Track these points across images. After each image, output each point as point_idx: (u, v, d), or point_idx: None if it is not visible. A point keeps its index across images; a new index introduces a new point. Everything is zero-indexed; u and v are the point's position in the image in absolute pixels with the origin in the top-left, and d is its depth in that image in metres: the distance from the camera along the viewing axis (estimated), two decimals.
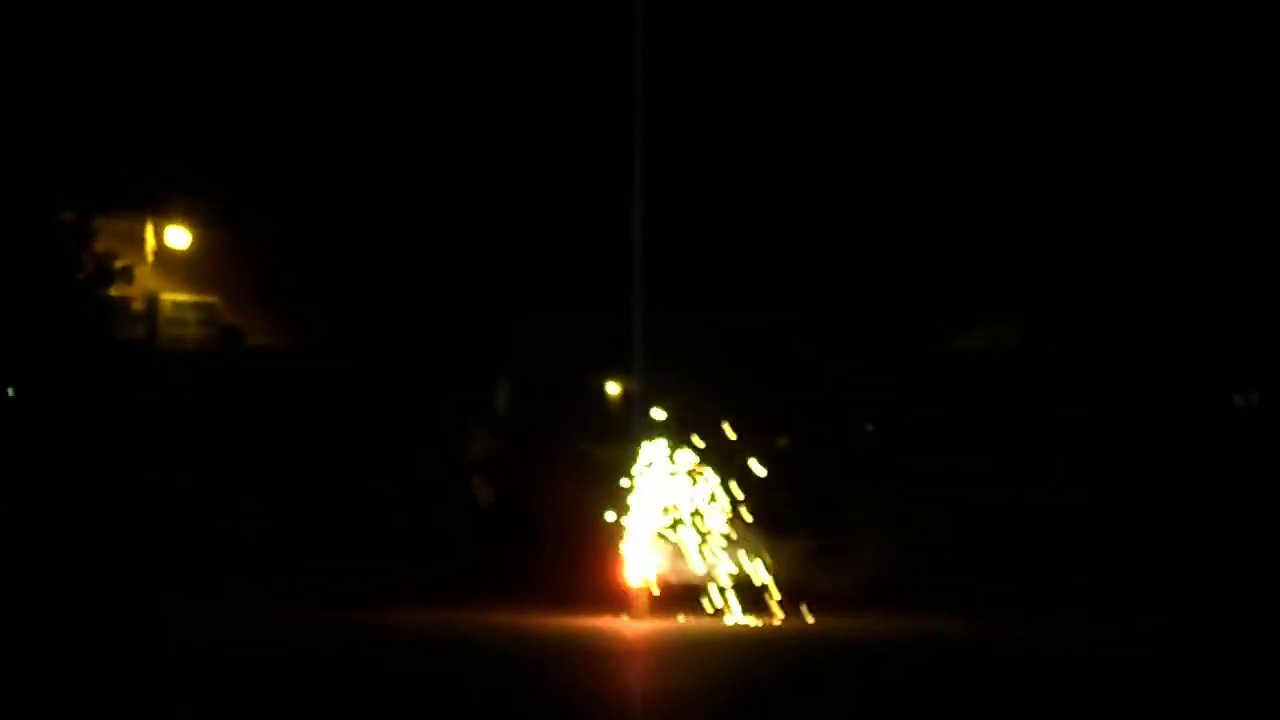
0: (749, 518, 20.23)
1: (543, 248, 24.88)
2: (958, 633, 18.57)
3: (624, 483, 20.21)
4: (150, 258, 25.36)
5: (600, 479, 20.84)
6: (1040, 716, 12.84)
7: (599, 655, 16.74)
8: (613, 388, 25.69)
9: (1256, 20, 24.98)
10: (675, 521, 20.20)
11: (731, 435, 20.55)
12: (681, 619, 19.64)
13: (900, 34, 26.07)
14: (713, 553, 20.16)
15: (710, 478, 20.33)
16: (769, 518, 20.43)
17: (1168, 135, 25.60)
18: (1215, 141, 25.57)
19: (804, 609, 19.71)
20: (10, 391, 22.86)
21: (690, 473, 20.25)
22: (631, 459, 20.23)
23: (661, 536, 20.15)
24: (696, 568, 20.11)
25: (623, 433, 20.83)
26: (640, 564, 19.99)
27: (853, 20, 25.94)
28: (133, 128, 24.65)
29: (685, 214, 22.94)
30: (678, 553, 20.18)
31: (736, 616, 19.74)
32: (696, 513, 20.18)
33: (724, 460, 20.48)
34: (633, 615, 19.65)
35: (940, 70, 26.11)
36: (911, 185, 25.90)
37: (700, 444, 20.33)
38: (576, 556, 20.38)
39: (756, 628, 19.28)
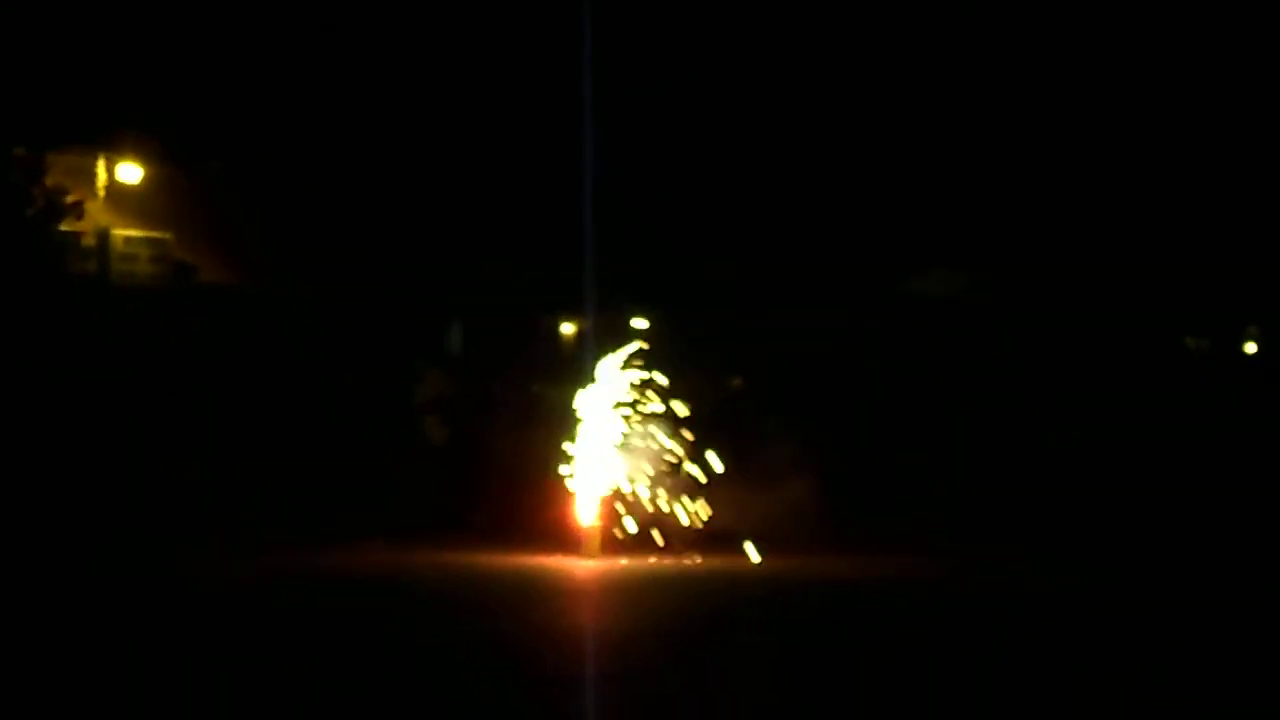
0: (699, 459, 20.33)
1: (496, 189, 24.84)
2: (892, 572, 18.76)
3: (575, 423, 20.25)
4: (102, 193, 25.15)
5: (552, 420, 20.88)
6: (963, 650, 12.98)
7: (549, 594, 16.82)
8: (566, 329, 25.70)
9: None
10: (627, 459, 20.27)
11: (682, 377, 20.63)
12: (626, 560, 19.72)
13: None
14: (663, 492, 20.25)
15: (663, 417, 20.40)
16: (718, 458, 20.53)
17: (1114, 91, 25.74)
18: (1163, 99, 25.75)
19: (748, 548, 19.85)
20: None
21: (642, 411, 20.29)
22: (580, 399, 20.27)
23: (612, 474, 20.21)
24: (646, 507, 20.19)
25: (575, 374, 20.85)
26: (589, 504, 20.06)
27: None
28: (85, 62, 24.41)
29: (638, 158, 22.97)
30: (628, 492, 20.25)
31: (683, 556, 19.84)
32: (648, 450, 20.25)
33: (678, 399, 20.54)
34: (582, 554, 19.74)
35: (897, 23, 26.16)
36: (866, 136, 25.98)
37: (658, 382, 20.38)
38: (527, 497, 20.45)
39: (701, 567, 19.39)
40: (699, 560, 19.64)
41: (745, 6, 25.70)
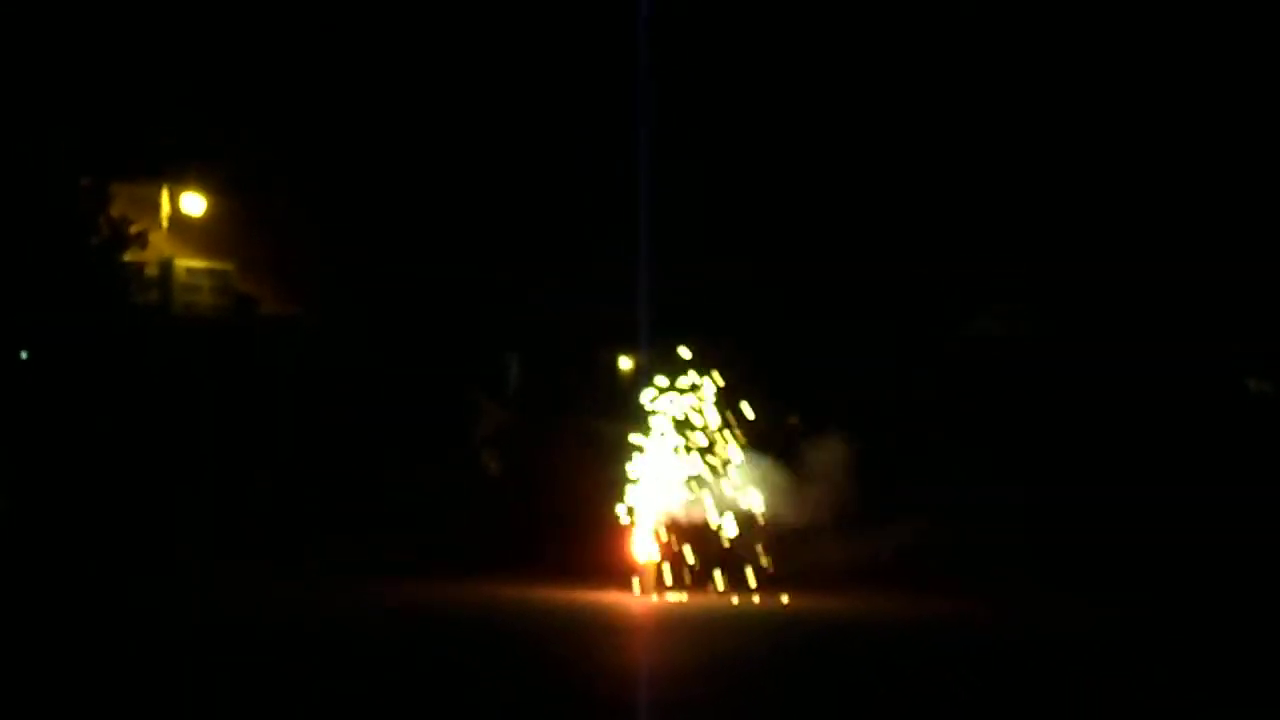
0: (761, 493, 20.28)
1: (554, 225, 24.89)
2: (962, 615, 18.57)
3: (633, 458, 20.23)
4: (165, 223, 25.38)
5: (609, 454, 20.87)
6: (1036, 701, 12.86)
7: (605, 629, 16.79)
8: (624, 363, 25.68)
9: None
10: (689, 496, 20.25)
11: (749, 414, 20.61)
12: (686, 596, 19.66)
13: (916, 27, 26.07)
14: (724, 529, 20.20)
15: (726, 454, 20.37)
16: (782, 495, 20.47)
17: (1177, 132, 25.58)
18: (1222, 139, 25.57)
19: (801, 587, 19.77)
20: (24, 354, 22.88)
21: (703, 450, 20.28)
22: (638, 432, 20.26)
23: (673, 511, 20.18)
24: (707, 544, 20.13)
25: (633, 408, 20.84)
26: (648, 539, 20.02)
27: (870, 21, 25.97)
28: (151, 94, 24.65)
29: (694, 197, 23.00)
30: (689, 528, 20.21)
31: (743, 593, 19.76)
32: (710, 487, 20.22)
33: (739, 436, 20.52)
34: (640, 590, 19.69)
35: (956, 62, 26.10)
36: (924, 179, 25.92)
37: (719, 418, 20.36)
38: (584, 531, 20.43)
39: (761, 605, 19.29)
40: (783, 599, 19.51)
41: (803, 49, 25.68)
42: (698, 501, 20.20)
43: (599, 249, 23.92)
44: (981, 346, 25.80)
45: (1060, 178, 26.05)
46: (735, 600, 19.62)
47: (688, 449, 20.27)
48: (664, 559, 20.10)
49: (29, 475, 21.24)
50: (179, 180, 25.51)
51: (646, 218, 21.67)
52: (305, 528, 21.37)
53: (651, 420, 20.22)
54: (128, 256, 23.69)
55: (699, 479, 20.28)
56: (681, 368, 20.85)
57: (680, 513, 20.15)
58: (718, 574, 20.04)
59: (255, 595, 17.57)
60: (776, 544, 20.35)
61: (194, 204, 25.56)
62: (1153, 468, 22.86)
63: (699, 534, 20.24)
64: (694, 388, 20.39)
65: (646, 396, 20.37)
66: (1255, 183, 25.62)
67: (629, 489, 20.23)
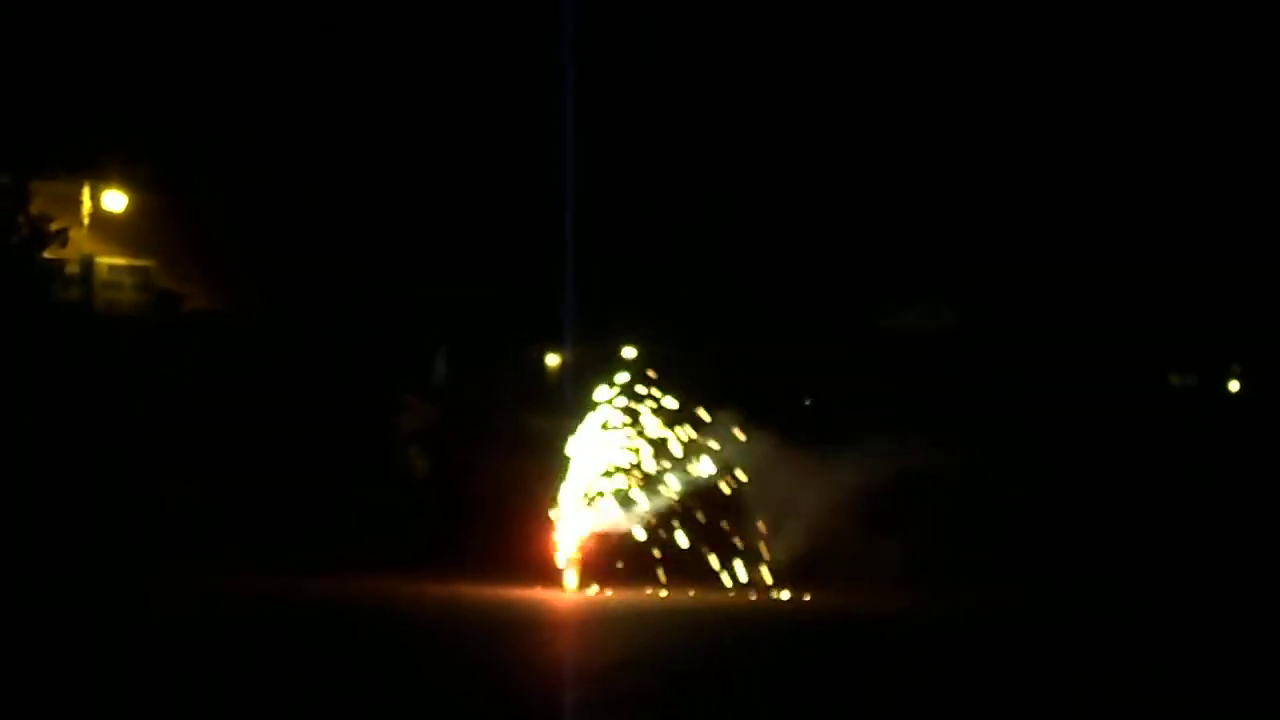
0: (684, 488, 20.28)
1: (481, 212, 24.81)
2: (887, 607, 18.63)
3: (559, 453, 20.20)
4: (86, 221, 25.11)
5: (536, 450, 20.82)
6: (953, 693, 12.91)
7: (530, 626, 16.73)
8: (551, 358, 25.65)
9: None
10: (615, 491, 20.23)
11: (672, 404, 20.57)
12: (610, 591, 19.62)
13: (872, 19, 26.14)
14: (649, 522, 20.19)
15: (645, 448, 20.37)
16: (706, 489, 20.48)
17: (1105, 123, 25.76)
18: (1153, 130, 25.78)
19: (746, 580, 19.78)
20: None
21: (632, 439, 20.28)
22: (567, 429, 20.23)
23: (595, 504, 20.15)
24: (632, 536, 20.12)
25: (560, 403, 20.80)
26: (572, 535, 19.99)
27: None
28: (70, 90, 24.39)
29: (618, 187, 22.98)
30: (611, 522, 20.19)
31: (668, 587, 19.76)
32: (631, 481, 20.20)
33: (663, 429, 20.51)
34: (564, 586, 19.66)
35: (885, 48, 26.17)
36: (855, 165, 25.98)
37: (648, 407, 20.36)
38: (511, 527, 20.38)
39: (686, 600, 19.28)
40: (689, 593, 19.52)
41: (731, 30, 25.67)
42: (627, 495, 20.15)
43: (524, 242, 23.88)
44: (912, 340, 25.94)
45: (995, 175, 26.18)
46: (664, 595, 19.58)
47: (627, 446, 20.21)
48: (591, 554, 20.05)
49: None
50: (100, 177, 25.25)
51: (571, 209, 21.65)
52: (227, 526, 21.18)
53: (583, 415, 20.15)
54: (48, 254, 23.46)
55: (629, 471, 20.23)
56: (613, 365, 20.81)
57: (610, 507, 20.11)
58: (652, 568, 20.00)
59: (169, 593, 17.35)
60: (716, 536, 20.33)
61: (115, 201, 25.29)
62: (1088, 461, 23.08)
63: (624, 526, 20.21)
64: (633, 386, 20.33)
65: (583, 392, 20.30)
66: (1179, 171, 25.85)
67: (556, 485, 20.17)
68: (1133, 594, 18.91)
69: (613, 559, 20.14)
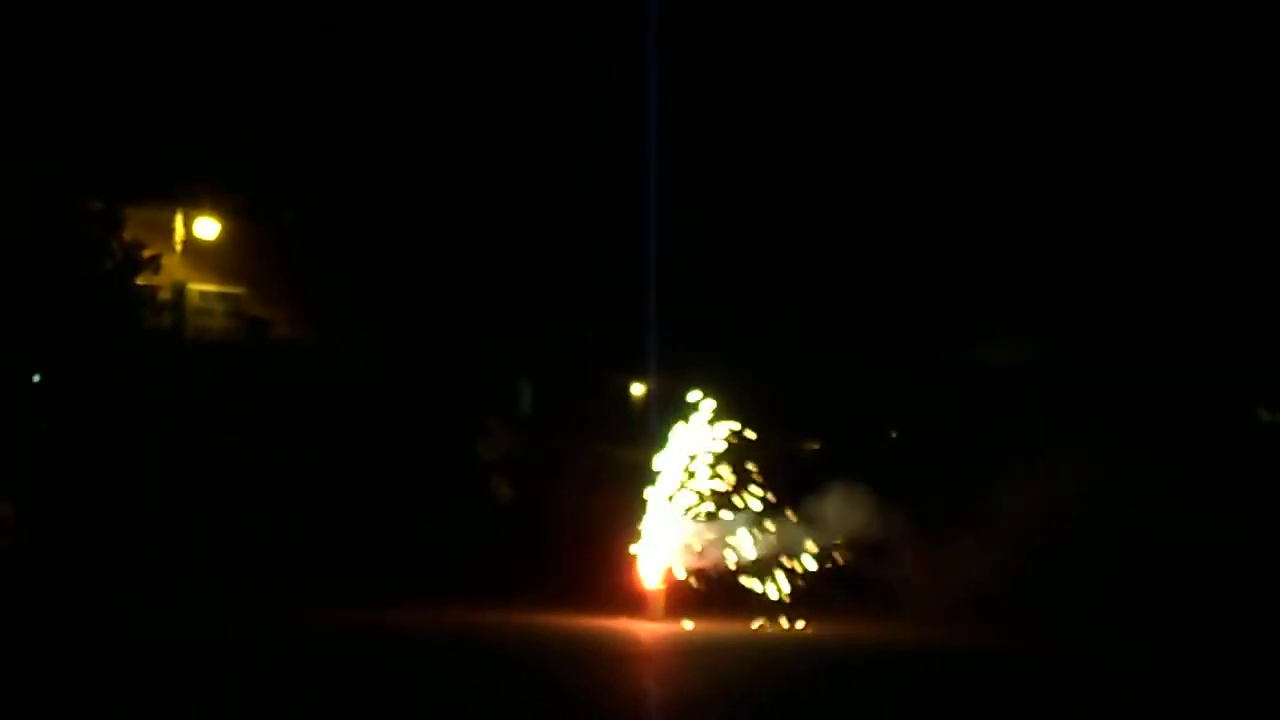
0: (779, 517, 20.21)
1: (566, 247, 24.94)
2: (986, 645, 18.39)
3: (645, 482, 20.20)
4: (178, 247, 25.45)
5: (621, 479, 20.84)
6: None
7: (614, 657, 16.74)
8: (636, 388, 25.70)
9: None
10: (702, 516, 20.20)
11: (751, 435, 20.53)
12: (691, 624, 19.57)
13: (919, 46, 26.06)
14: (739, 553, 20.15)
15: (739, 476, 20.34)
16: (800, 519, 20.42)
17: (1185, 147, 25.53)
18: (1236, 151, 25.51)
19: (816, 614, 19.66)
20: (36, 378, 22.93)
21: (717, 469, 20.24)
22: (652, 458, 20.24)
23: (685, 536, 20.12)
24: (723, 566, 20.06)
25: (645, 433, 20.80)
26: (659, 565, 19.97)
27: (869, 32, 25.96)
28: (163, 117, 24.72)
29: (700, 221, 23.04)
30: (700, 553, 20.14)
31: (758, 619, 19.68)
32: (721, 509, 20.17)
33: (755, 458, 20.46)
34: (650, 617, 19.64)
35: (958, 83, 26.10)
36: (929, 196, 25.92)
37: (733, 439, 20.33)
38: (595, 557, 20.38)
39: (776, 632, 19.21)
40: (775, 626, 19.42)
41: (808, 83, 25.70)
42: (717, 525, 20.10)
43: (611, 272, 23.97)
44: (989, 373, 25.75)
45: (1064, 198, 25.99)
46: (755, 627, 19.47)
47: (712, 474, 20.17)
48: (679, 584, 20.01)
49: (42, 499, 21.24)
50: (192, 204, 25.59)
51: (654, 241, 21.73)
52: (316, 554, 21.32)
53: (669, 446, 20.12)
54: (140, 280, 23.77)
55: (720, 500, 20.19)
56: (696, 395, 20.79)
57: (697, 538, 20.07)
58: (738, 599, 19.92)
59: (263, 619, 17.51)
60: (803, 569, 20.24)
61: (207, 228, 25.62)
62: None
63: (716, 560, 20.15)
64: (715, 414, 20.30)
65: (666, 423, 20.29)
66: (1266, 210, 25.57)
67: (643, 515, 20.17)
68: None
69: (703, 591, 20.08)
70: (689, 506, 20.05)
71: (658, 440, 20.26)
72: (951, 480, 22.18)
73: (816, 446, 23.61)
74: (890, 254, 25.94)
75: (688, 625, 19.43)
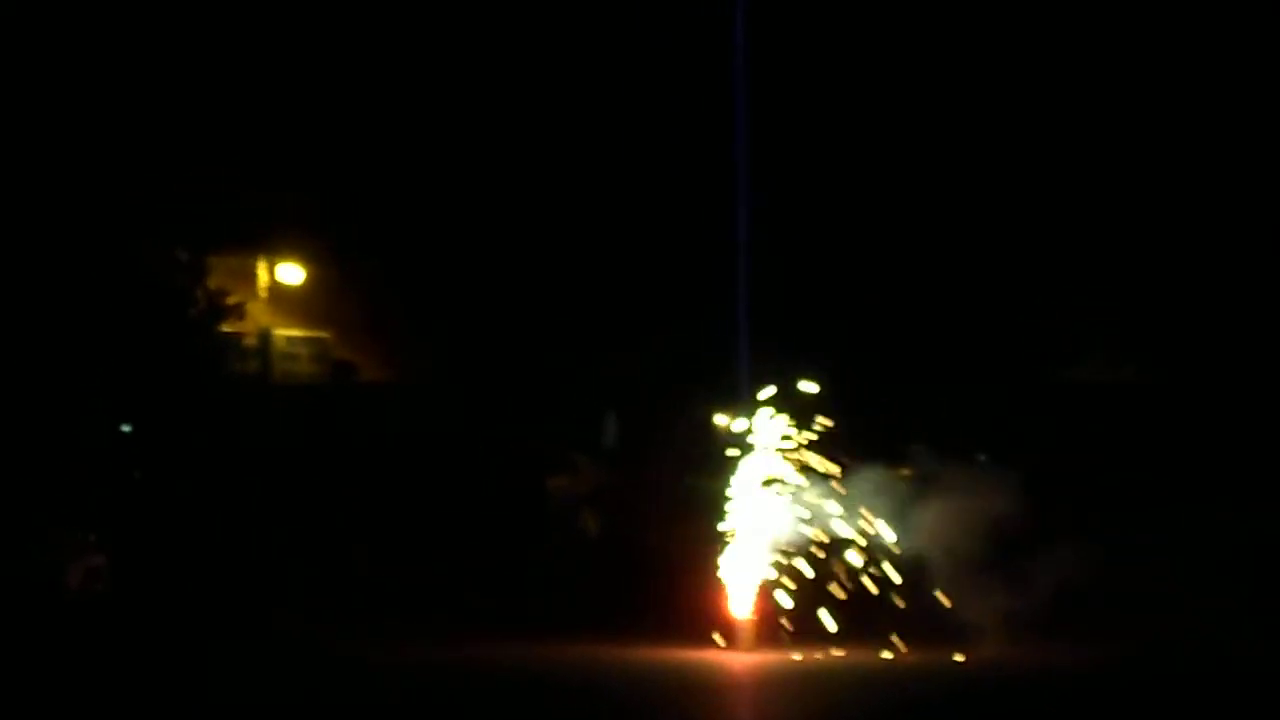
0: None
1: (647, 280, 24.87)
2: (1107, 669, 17.95)
3: (730, 513, 20.11)
4: (263, 293, 25.65)
5: (707, 510, 20.72)
6: None
7: (704, 688, 16.62)
8: (720, 420, 25.53)
9: None
10: (788, 549, 20.08)
11: (833, 468, 20.40)
12: (779, 653, 19.37)
13: (1020, 70, 25.86)
14: (835, 579, 20.01)
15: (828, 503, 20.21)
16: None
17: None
18: None
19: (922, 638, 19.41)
20: (127, 428, 23.16)
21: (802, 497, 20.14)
22: (737, 489, 20.15)
23: (776, 564, 20.00)
24: (810, 593, 19.92)
25: (728, 464, 20.68)
26: (746, 595, 19.84)
27: (970, 52, 25.80)
28: (245, 164, 24.96)
29: (788, 247, 22.90)
30: (789, 582, 20.02)
31: (860, 645, 19.47)
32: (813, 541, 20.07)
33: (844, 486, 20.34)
34: (740, 647, 19.49)
35: (1049, 102, 25.88)
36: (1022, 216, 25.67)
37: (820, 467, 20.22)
38: (683, 588, 20.27)
39: (870, 661, 18.97)
40: (873, 654, 19.19)
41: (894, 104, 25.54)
42: (804, 548, 19.97)
43: (696, 303, 23.88)
44: (1088, 391, 25.39)
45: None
46: (845, 654, 19.23)
47: (797, 487, 20.06)
48: (768, 613, 19.86)
49: (134, 548, 21.41)
50: (275, 250, 25.79)
51: (743, 270, 21.63)
52: (408, 594, 21.34)
53: (749, 468, 20.04)
54: (226, 327, 23.97)
55: (808, 519, 20.06)
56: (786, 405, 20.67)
57: (784, 562, 19.94)
58: (829, 624, 19.73)
59: (351, 663, 17.48)
60: (905, 588, 20.03)
61: (291, 273, 25.82)
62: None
63: (806, 584, 19.99)
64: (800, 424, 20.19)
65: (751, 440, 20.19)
66: None
67: (728, 544, 20.07)
68: None
69: (790, 619, 19.91)
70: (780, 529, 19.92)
71: (738, 465, 20.20)
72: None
73: (907, 473, 23.33)
74: (985, 276, 25.68)
75: (780, 653, 19.24)
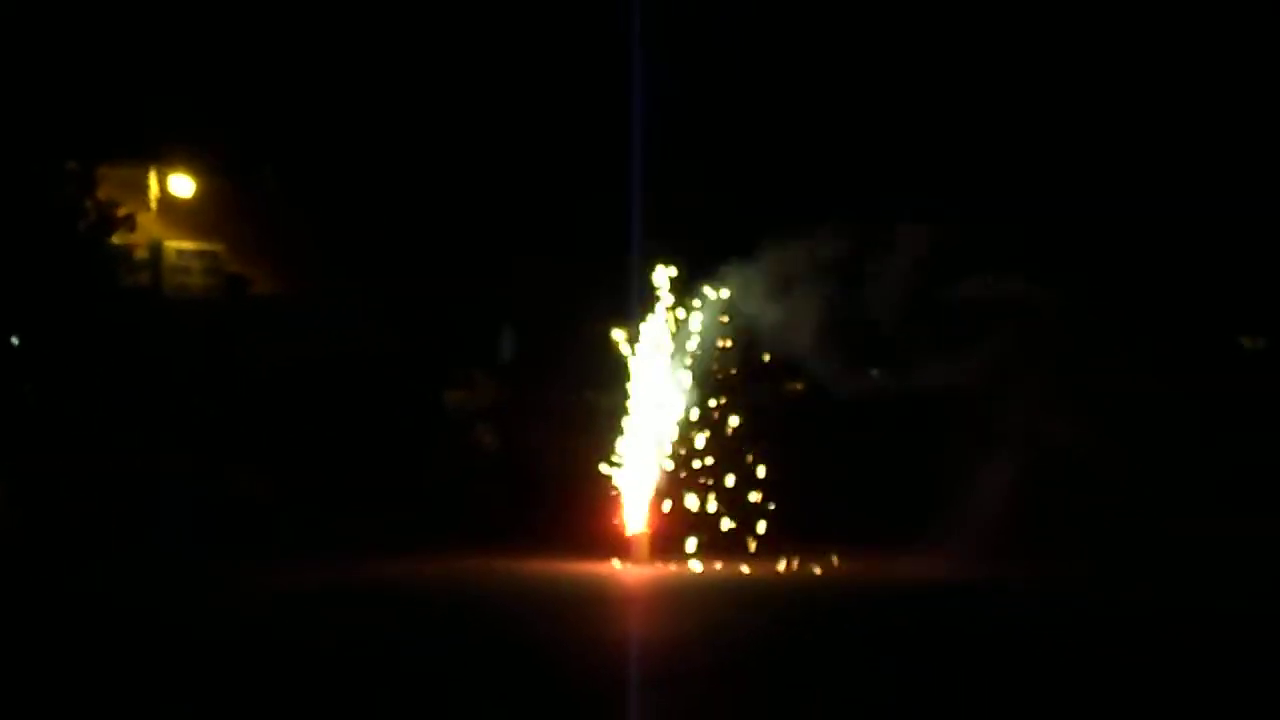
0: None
1: (544, 195, 24.80)
2: (967, 579, 18.21)
3: (626, 428, 20.23)
4: (154, 205, 25.34)
5: (603, 424, 20.83)
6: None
7: (597, 600, 16.77)
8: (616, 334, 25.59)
9: None
10: (678, 462, 20.25)
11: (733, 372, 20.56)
12: (675, 565, 19.56)
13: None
14: (717, 492, 20.20)
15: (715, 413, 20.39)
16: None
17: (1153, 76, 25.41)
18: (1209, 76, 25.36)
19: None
20: (14, 340, 22.87)
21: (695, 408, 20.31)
22: (633, 404, 20.26)
23: (663, 477, 20.17)
24: (696, 507, 20.12)
25: (625, 378, 20.77)
26: (639, 509, 20.00)
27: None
28: (135, 75, 24.57)
29: (684, 161, 22.88)
30: (678, 493, 20.20)
31: (749, 558, 19.69)
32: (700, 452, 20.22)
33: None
34: (632, 560, 19.66)
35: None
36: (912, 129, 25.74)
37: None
38: (577, 503, 20.39)
39: (755, 573, 19.18)
40: (754, 566, 19.43)
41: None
42: (694, 456, 20.16)
43: (590, 219, 23.83)
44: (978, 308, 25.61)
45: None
46: (744, 568, 19.42)
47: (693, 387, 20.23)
48: (662, 526, 20.04)
49: (24, 463, 21.15)
50: (167, 162, 25.45)
51: (637, 180, 21.57)
52: (297, 509, 21.27)
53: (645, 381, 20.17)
54: (116, 239, 23.67)
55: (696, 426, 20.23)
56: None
57: (676, 473, 20.10)
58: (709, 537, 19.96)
59: (244, 583, 17.40)
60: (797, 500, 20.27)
61: (182, 186, 25.51)
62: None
63: (698, 494, 20.19)
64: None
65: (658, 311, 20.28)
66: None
67: (624, 458, 20.20)
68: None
69: (685, 532, 20.10)
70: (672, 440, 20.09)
71: (639, 381, 20.30)
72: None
73: (800, 386, 23.53)
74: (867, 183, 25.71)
75: (674, 567, 19.43)
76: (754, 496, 20.35)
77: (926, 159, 25.31)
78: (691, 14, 23.52)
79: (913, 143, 25.56)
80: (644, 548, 19.85)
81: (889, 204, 23.91)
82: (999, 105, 25.87)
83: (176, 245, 25.41)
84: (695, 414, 20.50)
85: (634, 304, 20.86)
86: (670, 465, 20.22)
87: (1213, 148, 25.30)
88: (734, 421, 20.60)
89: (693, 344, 20.70)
